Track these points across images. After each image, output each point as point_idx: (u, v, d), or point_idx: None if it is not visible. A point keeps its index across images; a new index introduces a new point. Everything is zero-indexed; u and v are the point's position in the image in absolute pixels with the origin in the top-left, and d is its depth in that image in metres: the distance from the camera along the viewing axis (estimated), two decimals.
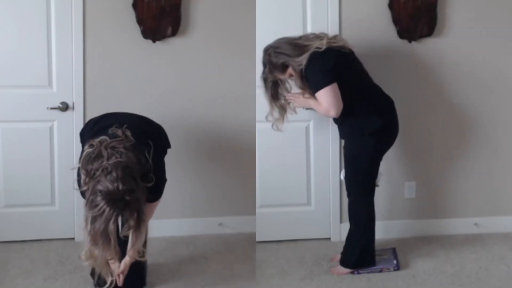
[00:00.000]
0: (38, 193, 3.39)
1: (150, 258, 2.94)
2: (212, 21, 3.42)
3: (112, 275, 2.42)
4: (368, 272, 2.99)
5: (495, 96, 3.46)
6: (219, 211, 3.60)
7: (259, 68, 3.24)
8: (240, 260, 3.20)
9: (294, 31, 3.27)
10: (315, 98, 2.81)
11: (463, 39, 3.39)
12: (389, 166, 3.32)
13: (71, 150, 3.31)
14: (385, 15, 3.32)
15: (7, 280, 2.89)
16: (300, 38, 2.84)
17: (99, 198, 2.17)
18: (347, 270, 2.99)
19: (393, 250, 3.21)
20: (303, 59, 2.74)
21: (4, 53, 3.25)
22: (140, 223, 2.29)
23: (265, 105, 3.23)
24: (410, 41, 3.34)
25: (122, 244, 2.40)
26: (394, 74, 3.36)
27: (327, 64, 2.73)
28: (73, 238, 3.41)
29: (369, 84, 2.94)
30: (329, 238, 3.45)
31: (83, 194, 2.34)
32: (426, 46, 3.36)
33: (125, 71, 3.36)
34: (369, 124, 2.84)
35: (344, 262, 3.01)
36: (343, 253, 3.03)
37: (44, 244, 3.34)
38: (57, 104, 3.30)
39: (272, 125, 3.00)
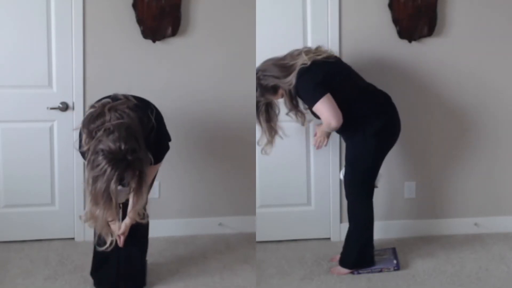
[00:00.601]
0: (38, 193, 3.39)
1: (150, 258, 2.94)
2: (212, 21, 3.42)
3: (112, 236, 2.44)
4: (368, 272, 2.99)
5: (495, 96, 3.46)
6: (219, 211, 3.60)
7: None
8: (240, 260, 3.20)
9: (294, 31, 3.30)
10: (317, 117, 2.84)
11: (463, 39, 3.39)
12: (389, 166, 3.32)
13: (71, 150, 3.31)
14: (385, 15, 3.32)
15: (7, 280, 2.89)
16: (285, 57, 2.84)
17: (100, 157, 2.17)
18: (347, 270, 2.99)
19: (393, 250, 3.21)
20: (292, 78, 2.76)
21: (4, 53, 3.24)
22: (141, 184, 2.29)
23: None
24: (410, 41, 3.34)
25: (123, 208, 2.44)
26: (394, 74, 3.36)
27: (316, 78, 2.75)
28: (73, 238, 3.41)
29: (363, 86, 2.94)
30: (329, 238, 3.45)
31: (83, 155, 2.34)
32: (426, 46, 3.36)
33: (125, 71, 3.36)
34: (370, 125, 2.84)
35: (343, 262, 3.01)
36: (342, 253, 3.03)
37: (44, 244, 3.34)
38: (57, 104, 3.30)
39: (262, 150, 3.03)
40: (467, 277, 2.94)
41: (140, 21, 3.29)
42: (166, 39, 3.35)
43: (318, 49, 2.88)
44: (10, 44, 3.24)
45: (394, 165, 3.41)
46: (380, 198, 3.42)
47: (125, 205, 2.51)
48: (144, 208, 2.50)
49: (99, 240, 2.63)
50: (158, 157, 2.55)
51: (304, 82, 2.75)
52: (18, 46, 3.25)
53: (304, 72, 2.75)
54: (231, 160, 3.57)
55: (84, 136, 2.30)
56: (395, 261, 3.08)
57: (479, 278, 2.93)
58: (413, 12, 3.29)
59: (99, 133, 2.21)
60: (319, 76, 2.75)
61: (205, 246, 3.40)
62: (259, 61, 3.12)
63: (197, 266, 3.12)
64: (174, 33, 3.34)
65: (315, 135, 3.09)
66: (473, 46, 3.40)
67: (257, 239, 3.33)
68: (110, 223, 2.43)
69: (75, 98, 3.31)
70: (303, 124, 3.00)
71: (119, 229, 2.56)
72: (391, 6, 3.30)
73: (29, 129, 3.32)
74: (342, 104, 2.76)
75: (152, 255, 3.06)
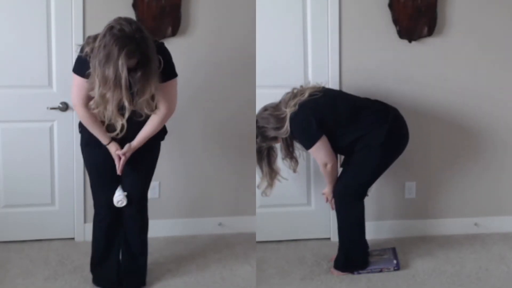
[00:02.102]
0: (38, 193, 3.39)
1: (150, 258, 2.94)
2: (212, 21, 3.42)
3: (122, 119, 2.44)
4: (368, 272, 2.99)
5: (495, 95, 3.46)
6: (219, 211, 3.60)
7: (259, 67, 3.25)
8: (240, 260, 3.20)
9: (294, 32, 3.29)
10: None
11: (463, 39, 3.39)
12: (390, 166, 3.32)
13: (71, 150, 3.31)
14: (385, 15, 3.32)
15: (7, 280, 2.89)
16: (280, 105, 2.90)
17: (108, 37, 2.26)
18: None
19: (393, 250, 3.21)
20: (286, 127, 2.83)
21: (4, 53, 3.24)
22: (147, 71, 2.34)
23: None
24: (410, 41, 3.34)
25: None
26: (394, 74, 3.36)
27: (306, 122, 2.83)
28: (73, 238, 3.41)
29: (359, 105, 2.94)
30: (329, 238, 3.45)
31: (79, 62, 2.45)
32: (426, 46, 3.36)
33: None
34: (373, 139, 2.85)
35: (335, 265, 3.03)
36: (336, 256, 3.04)
37: (44, 244, 3.34)
38: (57, 104, 3.30)
39: (262, 193, 3.07)
40: (467, 277, 2.94)
41: (140, 21, 3.28)
42: (166, 39, 3.34)
43: (302, 91, 2.92)
44: (10, 44, 3.24)
45: (394, 165, 3.38)
46: (380, 198, 3.43)
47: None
48: (152, 99, 2.47)
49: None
50: (171, 72, 2.57)
51: (296, 127, 2.85)
52: (18, 46, 3.25)
53: (294, 118, 2.83)
54: (231, 160, 3.57)
55: (87, 41, 2.42)
56: (395, 261, 3.08)
57: (479, 278, 2.93)
58: (413, 12, 3.29)
59: (106, 28, 2.32)
60: (309, 120, 2.82)
61: (205, 246, 3.40)
62: (259, 60, 3.13)
63: (197, 266, 3.12)
64: (174, 33, 3.34)
65: (326, 201, 3.12)
66: (473, 46, 3.40)
67: (257, 239, 3.33)
68: (119, 117, 2.45)
69: None
70: (294, 170, 3.08)
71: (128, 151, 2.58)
72: (391, 6, 3.30)
73: (29, 129, 3.32)
74: (340, 129, 2.85)
75: (152, 255, 3.06)
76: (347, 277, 2.96)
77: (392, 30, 3.33)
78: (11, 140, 3.32)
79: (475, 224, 3.50)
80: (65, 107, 3.31)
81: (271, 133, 2.88)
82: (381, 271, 3.00)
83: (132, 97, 2.41)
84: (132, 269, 2.83)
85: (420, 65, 3.38)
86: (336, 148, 2.92)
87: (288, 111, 2.82)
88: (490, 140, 3.49)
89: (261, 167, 3.02)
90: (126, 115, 2.44)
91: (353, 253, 3.00)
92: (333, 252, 3.17)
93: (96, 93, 2.36)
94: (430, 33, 3.34)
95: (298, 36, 3.31)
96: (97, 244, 2.80)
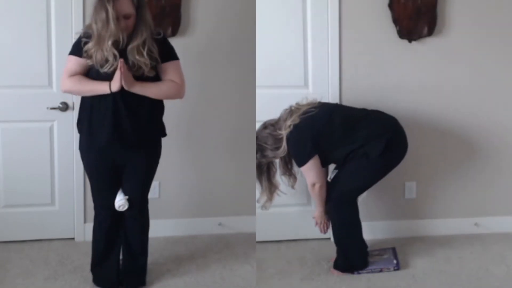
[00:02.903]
0: (38, 193, 3.39)
1: (150, 258, 2.94)
2: (212, 21, 3.42)
3: (114, 52, 2.48)
4: (368, 272, 2.99)
5: (495, 95, 3.46)
6: (219, 211, 3.60)
7: (259, 67, 3.25)
8: (240, 260, 3.20)
9: (294, 32, 3.29)
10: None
11: (463, 39, 3.39)
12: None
13: (71, 150, 3.31)
14: (385, 15, 3.32)
15: (7, 280, 2.89)
16: (278, 122, 2.93)
17: None
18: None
19: (393, 250, 3.21)
20: (284, 148, 2.88)
21: (4, 53, 3.24)
22: (139, 14, 2.52)
23: (264, 105, 3.25)
24: (410, 41, 3.34)
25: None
26: (394, 74, 3.36)
27: (301, 141, 2.86)
28: (73, 238, 3.41)
29: (356, 116, 2.94)
30: (329, 238, 3.44)
31: (77, 44, 2.60)
32: (426, 46, 3.36)
33: None
34: (372, 150, 2.85)
35: (335, 265, 3.03)
36: (336, 257, 3.04)
37: (44, 244, 3.34)
38: (57, 104, 3.30)
39: (261, 207, 3.08)
40: (467, 277, 2.93)
41: None
42: (167, 39, 3.34)
43: (298, 106, 2.94)
44: (10, 44, 3.24)
45: None
46: (380, 198, 3.42)
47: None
48: (141, 55, 2.53)
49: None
50: (171, 52, 2.68)
51: (292, 146, 2.88)
52: (18, 46, 3.25)
53: (289, 138, 2.86)
54: (231, 160, 3.57)
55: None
56: (395, 261, 3.08)
57: (479, 278, 2.93)
58: (413, 12, 3.29)
59: None
60: (304, 136, 2.85)
61: (205, 246, 3.40)
62: (259, 60, 3.13)
63: (197, 266, 3.12)
64: (174, 33, 3.34)
65: (316, 224, 3.11)
66: (473, 46, 3.40)
67: (257, 239, 3.33)
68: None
69: (75, 98, 3.29)
70: (292, 186, 3.11)
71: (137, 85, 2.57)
72: (391, 6, 3.30)
73: (29, 129, 3.32)
74: (336, 143, 2.87)
75: (152, 255, 3.06)
76: (347, 277, 2.96)
77: (392, 30, 3.33)
78: (11, 140, 3.32)
79: (475, 224, 3.50)
80: (65, 107, 3.31)
81: (270, 154, 2.92)
82: (381, 271, 3.00)
83: (124, 40, 2.50)
84: (132, 269, 2.83)
85: (420, 65, 3.38)
86: (331, 159, 2.95)
87: (284, 134, 2.86)
88: (490, 140, 3.48)
89: (260, 182, 3.04)
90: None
91: (351, 254, 3.00)
92: (333, 252, 3.16)
93: (94, 34, 2.49)
94: (430, 33, 3.34)
95: (298, 36, 3.30)
96: (97, 245, 2.80)
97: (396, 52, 3.35)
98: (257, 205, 3.16)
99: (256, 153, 2.98)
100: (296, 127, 2.86)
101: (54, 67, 3.29)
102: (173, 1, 3.32)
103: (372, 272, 2.99)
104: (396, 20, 3.31)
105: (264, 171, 3.02)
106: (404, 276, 2.96)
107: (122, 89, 2.50)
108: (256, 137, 2.98)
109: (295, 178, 3.09)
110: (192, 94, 3.44)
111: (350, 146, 2.86)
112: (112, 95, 2.52)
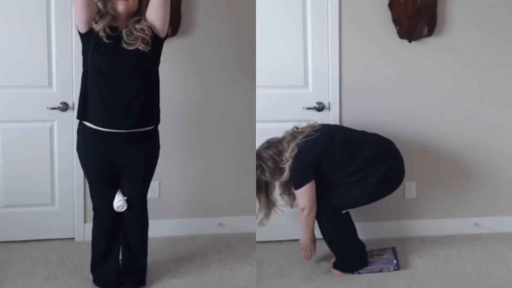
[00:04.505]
0: (38, 193, 3.39)
1: (150, 258, 2.94)
2: (212, 21, 3.42)
3: None
4: (368, 272, 2.99)
5: (495, 95, 3.46)
6: (219, 211, 3.60)
7: (259, 67, 3.25)
8: (240, 260, 3.20)
9: (294, 32, 3.29)
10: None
11: (463, 39, 3.38)
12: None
13: (71, 150, 3.31)
14: (385, 15, 3.32)
15: (7, 280, 2.89)
16: (282, 142, 2.91)
17: None
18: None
19: (393, 250, 3.22)
20: (286, 174, 2.89)
21: (4, 53, 3.24)
22: None
23: (264, 105, 3.25)
24: (410, 41, 3.34)
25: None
26: (394, 74, 3.36)
27: (301, 165, 2.85)
28: (73, 238, 3.41)
29: (357, 140, 2.95)
30: None
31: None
32: (426, 46, 3.36)
33: None
34: (371, 175, 2.86)
35: (334, 265, 3.04)
36: (335, 259, 3.05)
37: (44, 244, 3.34)
38: (57, 104, 3.30)
39: (259, 224, 3.08)
40: (467, 277, 2.94)
41: None
42: (168, 38, 3.33)
43: (301, 130, 2.94)
44: (10, 44, 3.24)
45: None
46: None
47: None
48: None
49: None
50: None
51: (292, 168, 2.87)
52: (18, 46, 3.25)
53: (293, 163, 2.85)
54: (231, 160, 3.57)
55: None
56: (395, 261, 3.08)
57: (479, 278, 2.93)
58: (413, 12, 3.29)
59: None
60: (304, 161, 2.85)
61: (205, 246, 3.40)
62: (259, 60, 3.12)
63: (197, 266, 3.12)
64: (174, 33, 3.34)
65: (301, 249, 3.10)
66: (473, 46, 3.40)
67: (257, 239, 3.33)
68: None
69: (75, 98, 3.30)
70: (292, 206, 3.11)
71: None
72: (391, 6, 3.30)
73: (29, 129, 3.32)
74: (336, 166, 2.87)
75: (152, 255, 3.06)
76: (347, 277, 2.96)
77: (392, 30, 3.33)
78: (11, 140, 3.32)
79: (475, 224, 3.50)
80: (65, 107, 3.31)
81: (268, 176, 2.93)
82: (381, 271, 3.00)
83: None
84: (132, 269, 2.84)
85: (420, 65, 3.38)
86: (333, 182, 2.95)
87: (287, 166, 2.85)
88: (490, 139, 3.48)
89: (259, 198, 3.03)
90: None
91: (350, 258, 3.01)
92: None
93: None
94: (430, 33, 3.33)
95: (298, 36, 3.30)
96: (97, 246, 2.80)
97: (396, 52, 3.35)
98: (256, 221, 3.14)
99: (256, 170, 2.97)
100: (298, 152, 2.85)
101: (54, 67, 3.29)
102: (174, 1, 3.31)
103: (372, 272, 2.99)
104: (396, 20, 3.31)
105: (263, 187, 3.01)
106: (404, 276, 2.96)
107: (114, 73, 2.53)
108: (258, 154, 2.95)
109: (293, 197, 3.07)
110: (192, 94, 3.45)
111: (352, 167, 2.86)
112: (105, 81, 2.53)
